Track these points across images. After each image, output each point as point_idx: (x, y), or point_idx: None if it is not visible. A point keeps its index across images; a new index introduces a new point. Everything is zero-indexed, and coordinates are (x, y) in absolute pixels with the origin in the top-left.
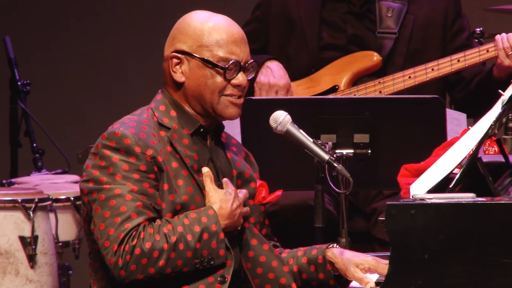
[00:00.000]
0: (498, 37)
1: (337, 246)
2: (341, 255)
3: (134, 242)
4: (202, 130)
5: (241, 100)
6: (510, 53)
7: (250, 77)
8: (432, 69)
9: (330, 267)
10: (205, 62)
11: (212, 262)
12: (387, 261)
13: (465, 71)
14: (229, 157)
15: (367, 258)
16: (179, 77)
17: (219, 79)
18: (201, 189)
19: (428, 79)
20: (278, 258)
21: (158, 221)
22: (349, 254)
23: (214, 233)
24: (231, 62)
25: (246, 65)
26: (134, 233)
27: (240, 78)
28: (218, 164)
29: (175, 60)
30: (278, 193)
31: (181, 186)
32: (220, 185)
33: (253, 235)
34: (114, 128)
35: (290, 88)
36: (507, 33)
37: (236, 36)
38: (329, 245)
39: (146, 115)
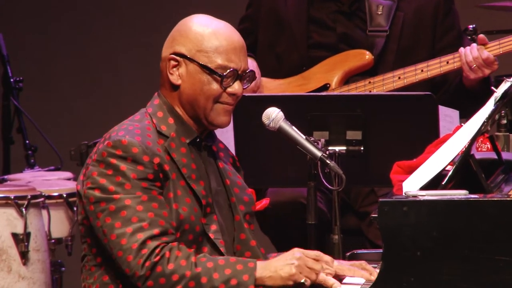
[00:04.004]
0: (461, 50)
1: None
2: None
3: (156, 259)
4: (198, 140)
5: (232, 108)
6: (474, 66)
7: (246, 87)
8: (422, 70)
9: None
10: (203, 67)
11: None
12: (353, 262)
13: (450, 73)
14: (220, 166)
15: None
16: (175, 79)
17: (215, 86)
18: (197, 199)
19: (417, 80)
20: (264, 256)
21: (189, 249)
22: None
23: (243, 282)
24: (229, 70)
25: (243, 74)
26: (157, 251)
27: (236, 87)
28: (212, 175)
29: (172, 62)
30: (266, 201)
31: (180, 197)
32: (214, 193)
33: (243, 229)
34: (120, 136)
35: (259, 84)
36: (500, 30)
37: (236, 44)
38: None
39: (147, 122)
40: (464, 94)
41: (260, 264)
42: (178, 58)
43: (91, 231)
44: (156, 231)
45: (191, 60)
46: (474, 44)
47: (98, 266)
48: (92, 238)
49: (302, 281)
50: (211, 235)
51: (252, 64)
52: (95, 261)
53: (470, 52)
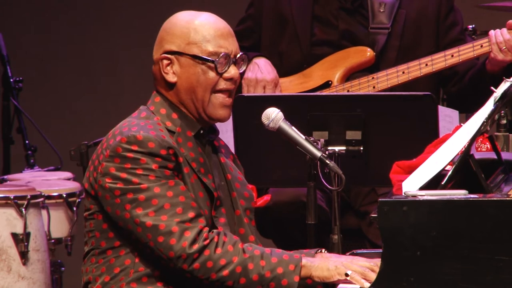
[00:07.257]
0: (492, 32)
1: (325, 251)
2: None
3: (205, 243)
4: (202, 132)
5: (231, 101)
6: (504, 48)
7: (242, 70)
8: (426, 65)
9: None
10: (195, 58)
11: None
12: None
13: (459, 65)
14: (222, 161)
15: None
16: (171, 77)
17: (211, 74)
18: (207, 193)
19: (422, 74)
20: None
21: (234, 236)
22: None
23: (289, 271)
24: (221, 55)
25: (236, 57)
26: (205, 235)
27: (232, 71)
28: (215, 169)
29: (165, 61)
30: (267, 197)
31: (193, 191)
32: (220, 186)
33: (242, 224)
34: (134, 132)
35: (278, 83)
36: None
37: (223, 30)
38: (318, 250)
39: (155, 118)
40: (483, 81)
41: (305, 257)
42: (169, 56)
43: (101, 225)
44: (191, 213)
45: (183, 54)
46: (505, 29)
47: (107, 258)
48: (102, 232)
49: (349, 272)
50: (220, 228)
51: (265, 61)
52: (105, 254)
53: (501, 34)
